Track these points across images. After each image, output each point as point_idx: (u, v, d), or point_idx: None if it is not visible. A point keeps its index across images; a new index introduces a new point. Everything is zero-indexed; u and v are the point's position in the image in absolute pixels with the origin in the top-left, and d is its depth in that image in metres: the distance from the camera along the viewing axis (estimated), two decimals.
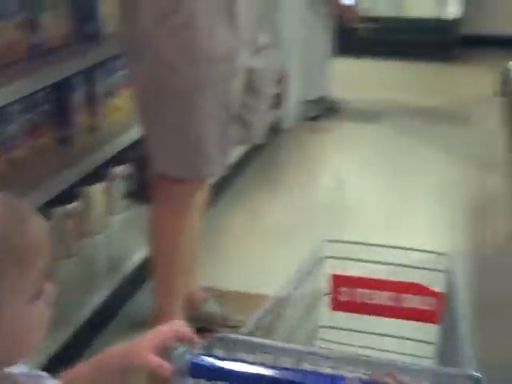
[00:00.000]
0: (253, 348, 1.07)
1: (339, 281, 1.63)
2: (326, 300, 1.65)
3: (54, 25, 2.31)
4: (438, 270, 1.58)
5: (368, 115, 4.86)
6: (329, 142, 4.55)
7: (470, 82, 5.43)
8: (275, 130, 4.44)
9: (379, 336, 1.62)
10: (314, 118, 4.77)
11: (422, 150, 4.28)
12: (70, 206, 2.46)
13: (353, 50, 5.64)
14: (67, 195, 2.41)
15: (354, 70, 5.72)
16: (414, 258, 1.60)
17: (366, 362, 1.04)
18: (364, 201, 3.60)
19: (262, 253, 2.98)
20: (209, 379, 0.97)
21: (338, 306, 1.64)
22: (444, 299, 1.55)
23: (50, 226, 2.37)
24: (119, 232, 2.75)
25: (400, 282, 1.60)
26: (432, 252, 1.60)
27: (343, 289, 1.63)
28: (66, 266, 2.48)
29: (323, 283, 1.64)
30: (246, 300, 2.39)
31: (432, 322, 1.58)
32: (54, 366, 2.02)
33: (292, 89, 4.55)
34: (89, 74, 2.48)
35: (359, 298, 1.63)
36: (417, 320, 1.60)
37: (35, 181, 2.13)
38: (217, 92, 1.97)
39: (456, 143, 4.39)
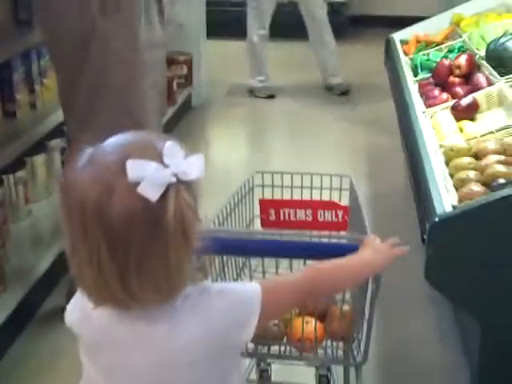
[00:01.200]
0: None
1: (266, 204, 1.96)
2: (258, 221, 1.99)
3: None
4: (343, 189, 1.98)
5: (271, 91, 5.27)
6: (237, 115, 4.94)
7: (362, 57, 5.91)
8: (187, 106, 4.80)
9: None
10: None
11: (320, 117, 4.77)
12: (18, 174, 2.74)
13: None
14: (14, 164, 2.70)
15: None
16: (324, 181, 1.98)
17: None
18: (275, 155, 4.03)
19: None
20: None
21: (268, 225, 1.95)
22: (349, 211, 1.94)
23: (2, 191, 2.66)
24: None
25: (315, 200, 1.95)
26: (337, 175, 1.97)
27: (270, 210, 1.96)
28: (17, 229, 2.77)
29: (254, 207, 1.98)
30: None
31: (342, 230, 1.96)
32: (12, 322, 2.33)
33: (200, 69, 4.92)
34: (26, 57, 2.76)
35: (284, 217, 1.94)
36: (330, 230, 1.94)
37: None
38: (155, 76, 2.30)
39: (349, 109, 4.89)
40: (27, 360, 2.36)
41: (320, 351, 1.70)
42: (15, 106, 2.69)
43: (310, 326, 1.64)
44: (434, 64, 3.18)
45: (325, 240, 1.60)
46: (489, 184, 2.02)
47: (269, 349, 1.70)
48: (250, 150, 4.18)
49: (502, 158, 2.12)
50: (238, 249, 1.53)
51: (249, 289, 1.21)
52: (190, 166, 1.07)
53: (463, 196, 1.98)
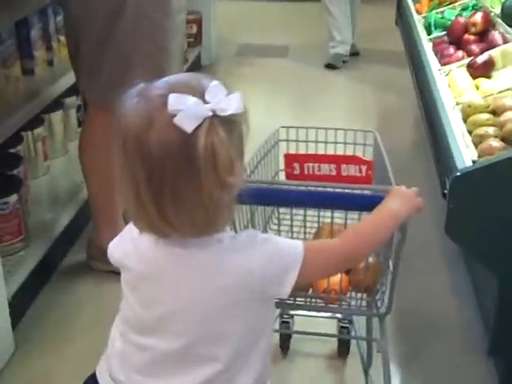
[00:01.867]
0: None
1: (291, 158, 1.93)
2: (282, 175, 1.97)
3: None
4: (367, 144, 1.97)
5: (279, 52, 5.26)
6: (247, 74, 4.94)
7: (371, 18, 5.88)
8: (197, 65, 4.80)
9: None
10: None
11: (330, 78, 4.78)
12: (37, 131, 2.76)
13: None
14: (32, 121, 2.71)
15: (255, 11, 6.07)
16: (348, 136, 1.97)
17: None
18: (285, 113, 4.05)
19: None
20: None
21: (292, 179, 1.91)
22: (373, 165, 1.88)
23: (22, 148, 2.69)
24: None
25: (339, 155, 1.90)
26: (361, 130, 1.97)
27: (295, 165, 1.91)
28: (37, 185, 2.80)
29: (279, 161, 1.96)
30: None
31: (366, 184, 1.85)
32: (36, 276, 2.38)
33: (210, 28, 4.91)
34: (42, 14, 2.77)
35: (308, 171, 1.90)
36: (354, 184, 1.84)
37: (9, 108, 2.43)
38: (180, 38, 2.36)
39: (358, 70, 4.89)
40: (50, 312, 2.41)
41: (344, 303, 1.74)
42: (33, 63, 2.69)
43: (336, 277, 1.68)
44: (449, 22, 3.18)
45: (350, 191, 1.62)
46: (507, 139, 2.05)
47: (294, 300, 1.75)
48: (261, 108, 4.18)
49: None
50: (268, 198, 1.55)
51: (293, 244, 1.24)
52: (228, 102, 1.12)
53: (483, 151, 2.01)
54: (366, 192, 1.62)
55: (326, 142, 1.96)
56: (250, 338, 1.25)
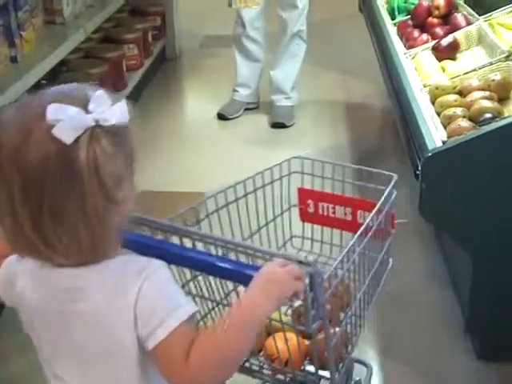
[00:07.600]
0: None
1: (305, 194, 1.70)
2: (296, 211, 1.72)
3: None
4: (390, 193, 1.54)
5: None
6: (212, 66, 4.92)
7: (334, 2, 5.89)
8: (161, 58, 4.78)
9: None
10: None
11: None
12: None
13: None
14: None
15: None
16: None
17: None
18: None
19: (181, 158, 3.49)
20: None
21: (306, 217, 1.72)
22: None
23: None
24: None
25: (356, 198, 1.64)
26: (383, 172, 1.61)
27: (309, 202, 1.69)
28: None
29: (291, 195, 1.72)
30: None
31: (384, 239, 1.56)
32: None
33: (173, 20, 4.89)
34: (3, 9, 2.72)
35: (323, 211, 1.68)
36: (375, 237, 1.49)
37: None
38: None
39: (325, 57, 4.90)
40: None
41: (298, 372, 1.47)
42: None
43: (292, 340, 1.42)
44: (412, 6, 3.20)
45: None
46: (474, 120, 2.07)
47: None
48: (225, 99, 4.18)
49: (487, 93, 2.17)
50: (138, 245, 1.24)
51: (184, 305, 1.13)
52: (112, 112, 1.06)
53: (452, 132, 2.03)
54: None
55: (343, 182, 1.66)
56: None
